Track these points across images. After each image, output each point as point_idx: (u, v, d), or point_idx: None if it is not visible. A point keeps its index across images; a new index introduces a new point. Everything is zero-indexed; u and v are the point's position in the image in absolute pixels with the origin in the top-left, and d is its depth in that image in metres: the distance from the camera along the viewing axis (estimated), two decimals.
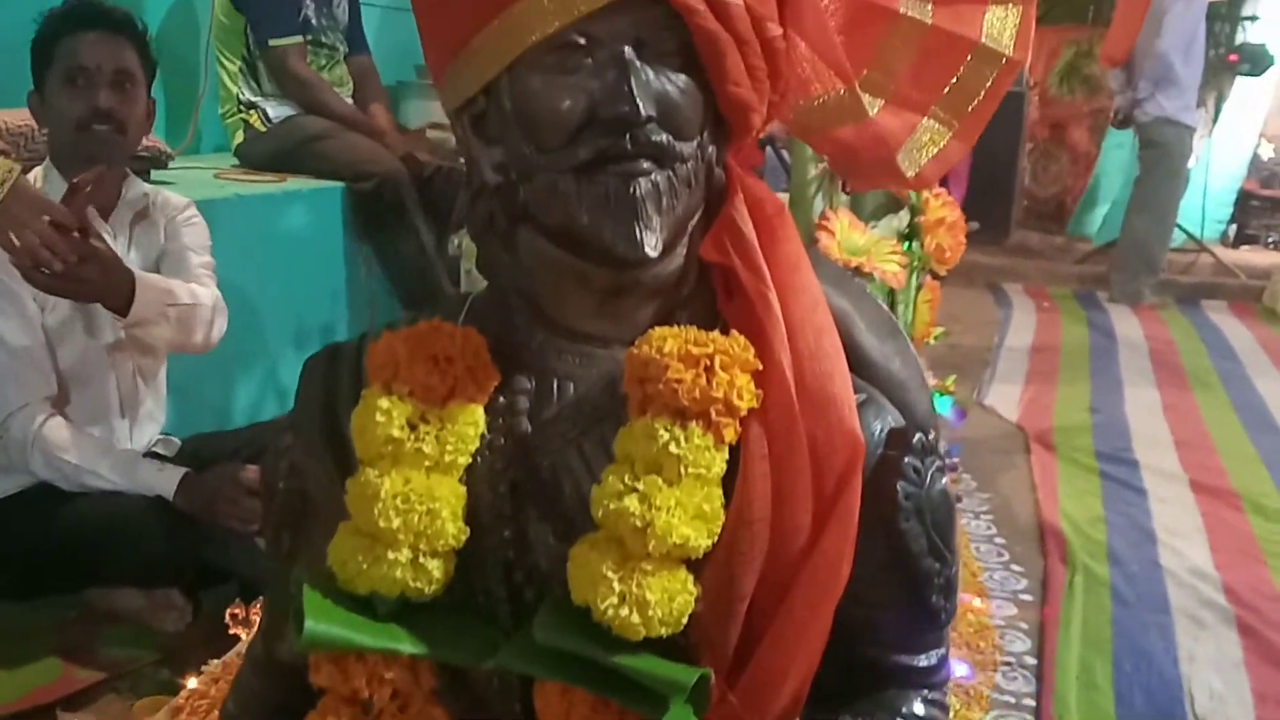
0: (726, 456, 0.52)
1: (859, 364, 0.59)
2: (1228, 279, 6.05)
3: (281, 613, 0.59)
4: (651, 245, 0.52)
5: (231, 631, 1.55)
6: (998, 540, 2.80)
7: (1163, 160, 5.38)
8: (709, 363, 0.50)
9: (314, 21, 3.41)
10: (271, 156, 3.46)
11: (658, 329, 0.54)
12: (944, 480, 0.56)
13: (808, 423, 0.53)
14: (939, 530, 0.55)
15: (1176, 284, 5.91)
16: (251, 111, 3.44)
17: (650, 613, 0.48)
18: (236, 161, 3.49)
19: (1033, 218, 8.25)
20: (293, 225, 3.36)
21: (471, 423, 0.54)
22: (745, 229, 0.55)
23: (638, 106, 0.51)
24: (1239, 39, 6.49)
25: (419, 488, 0.51)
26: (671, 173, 0.53)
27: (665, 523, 0.49)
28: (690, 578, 0.51)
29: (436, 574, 0.52)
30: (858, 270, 1.42)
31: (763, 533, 0.52)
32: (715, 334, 0.53)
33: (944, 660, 0.58)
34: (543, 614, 0.51)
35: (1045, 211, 8.45)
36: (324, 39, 3.46)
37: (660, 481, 0.50)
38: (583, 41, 0.51)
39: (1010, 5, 0.57)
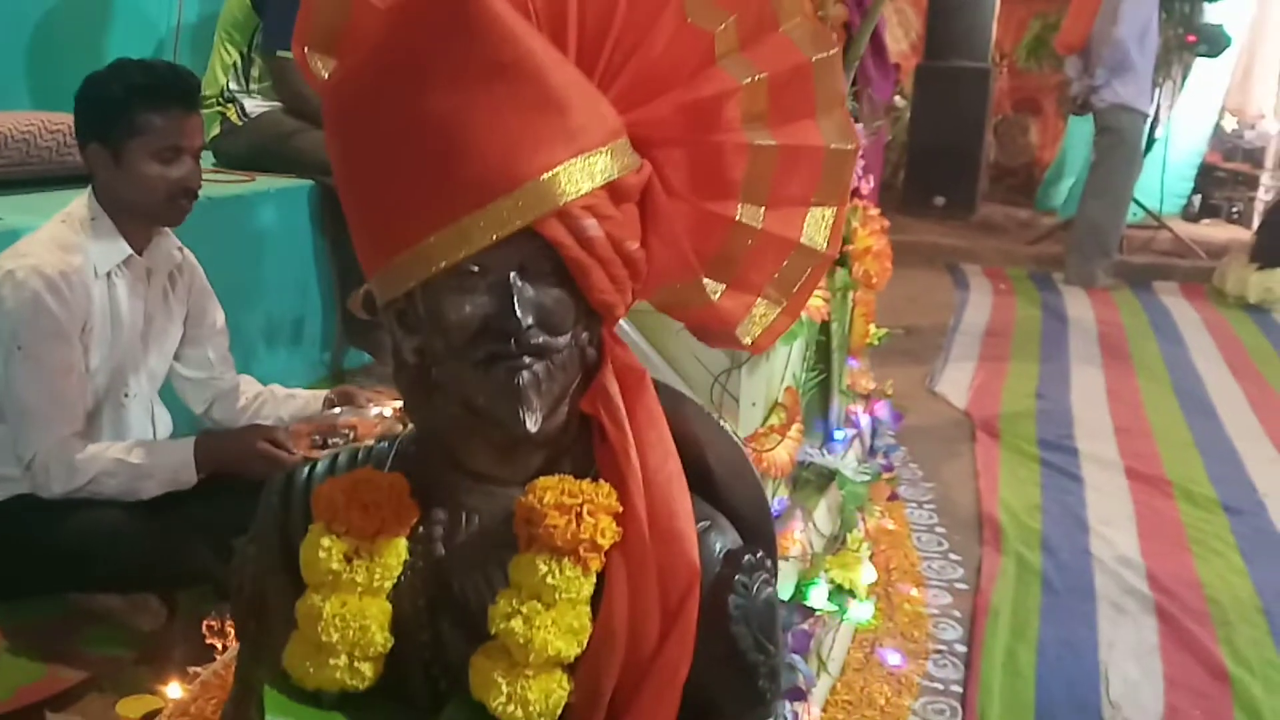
0: (594, 581, 0.65)
1: (711, 485, 0.73)
2: (1180, 261, 6.21)
3: (247, 685, 0.72)
4: (533, 422, 0.65)
5: (208, 642, 1.67)
6: (938, 530, 2.94)
7: (1118, 146, 5.52)
8: (579, 510, 0.64)
9: None
10: (245, 151, 3.53)
11: (541, 480, 0.67)
12: (769, 590, 0.70)
13: (657, 553, 0.67)
14: (764, 631, 0.70)
15: (1130, 265, 6.07)
16: (229, 105, 3.51)
17: (530, 708, 0.64)
18: (212, 157, 3.56)
19: (1001, 190, 8.42)
20: (262, 223, 3.45)
21: (395, 554, 0.68)
22: (613, 392, 0.68)
23: (518, 319, 0.64)
24: (1199, 19, 6.60)
25: (353, 609, 0.66)
26: (550, 362, 0.66)
27: (542, 639, 0.64)
28: (565, 677, 0.66)
29: (368, 673, 0.67)
30: None
31: (621, 641, 0.67)
32: (586, 483, 0.67)
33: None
34: (451, 708, 0.66)
35: (1014, 184, 8.62)
36: None
37: (540, 605, 0.64)
38: (476, 269, 0.64)
39: (825, 208, 0.70)
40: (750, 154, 0.70)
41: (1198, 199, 7.39)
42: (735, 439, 0.77)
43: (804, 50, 0.72)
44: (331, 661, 0.66)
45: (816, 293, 1.63)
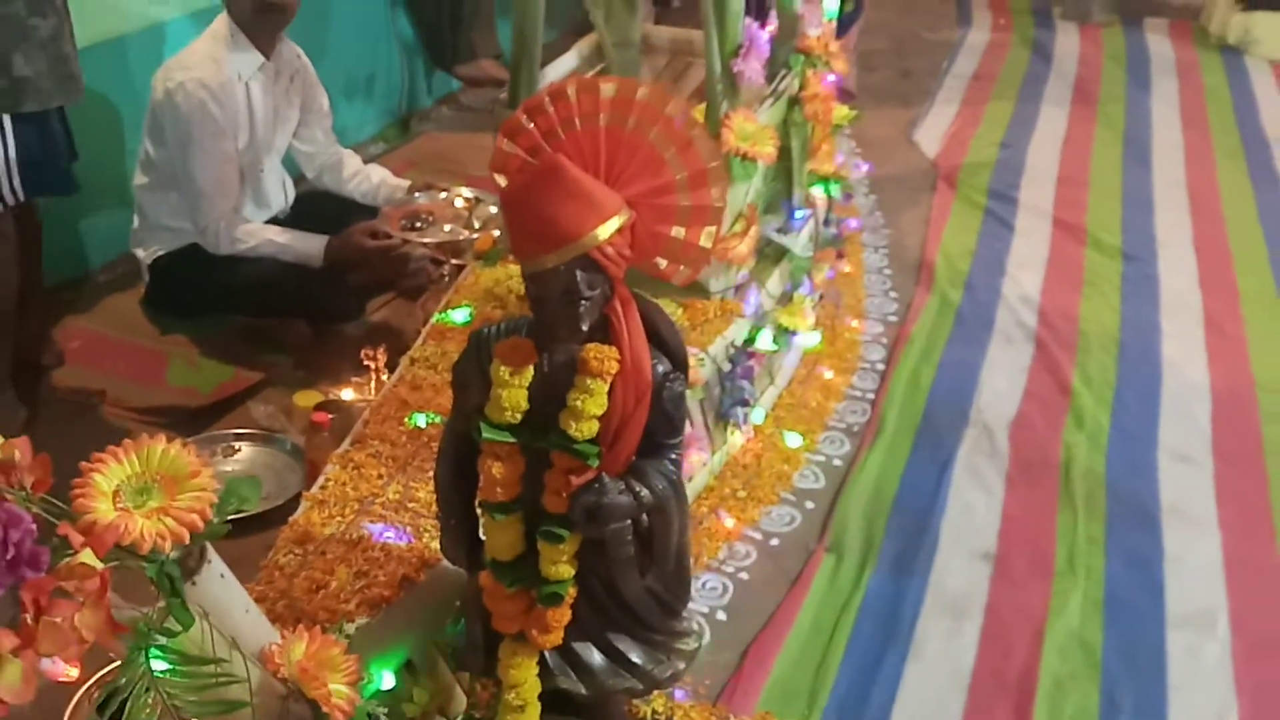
0: (608, 387, 1.48)
1: (660, 339, 1.55)
2: None
3: (457, 419, 1.61)
4: (585, 326, 1.44)
5: (365, 364, 2.58)
6: (885, 272, 3.69)
7: None
8: (602, 359, 1.46)
9: None
10: None
11: (586, 344, 1.48)
12: (682, 388, 1.53)
13: (634, 377, 1.48)
14: (678, 406, 1.54)
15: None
16: None
17: (584, 433, 1.47)
18: None
19: None
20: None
21: (529, 373, 1.49)
22: (618, 307, 1.47)
23: (581, 291, 1.41)
24: None
25: (513, 393, 1.49)
26: (592, 301, 1.43)
27: (587, 408, 1.47)
28: (597, 422, 1.49)
29: (519, 416, 1.51)
30: (744, 155, 2.27)
31: (619, 410, 1.49)
32: (605, 347, 1.47)
33: (681, 442, 1.58)
34: (553, 432, 1.50)
35: None
36: None
37: (587, 395, 1.47)
38: (563, 268, 1.40)
39: (711, 226, 1.46)
40: (679, 208, 1.46)
41: None
42: (670, 319, 1.59)
43: (705, 159, 1.45)
44: (506, 414, 1.50)
45: (770, 143, 2.34)
